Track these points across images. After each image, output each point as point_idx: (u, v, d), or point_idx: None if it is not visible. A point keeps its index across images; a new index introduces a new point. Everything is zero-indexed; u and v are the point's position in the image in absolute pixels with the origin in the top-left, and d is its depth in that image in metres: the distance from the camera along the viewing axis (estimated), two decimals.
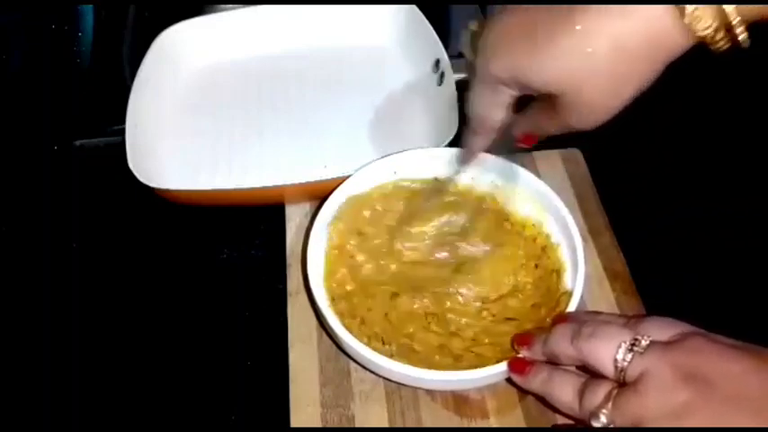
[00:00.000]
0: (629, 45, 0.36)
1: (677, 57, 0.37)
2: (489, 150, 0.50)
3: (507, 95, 0.43)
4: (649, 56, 0.37)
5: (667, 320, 0.39)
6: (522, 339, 0.44)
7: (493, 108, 0.44)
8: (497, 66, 0.41)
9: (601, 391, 0.37)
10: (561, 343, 0.40)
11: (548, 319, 0.46)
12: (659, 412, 0.35)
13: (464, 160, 0.52)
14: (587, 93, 0.38)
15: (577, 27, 0.37)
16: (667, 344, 0.37)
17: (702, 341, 0.37)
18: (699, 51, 0.36)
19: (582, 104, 0.39)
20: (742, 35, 0.35)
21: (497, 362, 0.43)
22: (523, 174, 0.52)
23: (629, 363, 0.37)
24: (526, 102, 0.44)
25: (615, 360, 0.37)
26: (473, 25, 0.46)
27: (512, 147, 0.47)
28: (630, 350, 0.37)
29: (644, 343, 0.37)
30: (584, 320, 0.42)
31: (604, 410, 0.37)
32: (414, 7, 0.65)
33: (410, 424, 0.46)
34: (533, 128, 0.45)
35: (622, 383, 0.37)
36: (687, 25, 0.35)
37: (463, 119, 0.56)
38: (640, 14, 0.36)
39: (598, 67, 0.37)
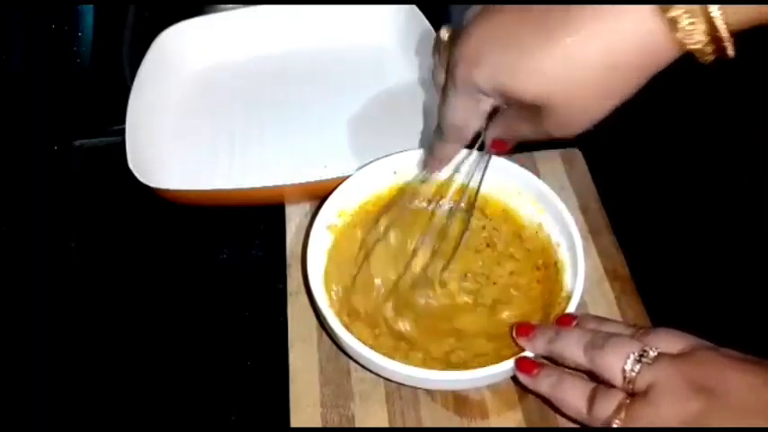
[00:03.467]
0: (621, 59, 0.35)
1: (665, 66, 0.36)
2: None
3: (487, 104, 0.42)
4: (640, 69, 0.36)
5: (676, 333, 0.39)
6: (523, 330, 0.44)
7: (470, 117, 0.43)
8: (480, 75, 0.39)
9: (612, 401, 0.38)
10: (574, 350, 0.40)
11: (550, 319, 0.46)
12: (673, 422, 0.35)
13: (430, 168, 0.50)
14: (574, 103, 0.37)
15: (567, 40, 0.36)
16: (676, 356, 0.37)
17: (711, 354, 0.37)
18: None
19: (566, 115, 0.38)
20: (730, 48, 0.34)
21: (497, 362, 0.43)
22: (523, 174, 0.52)
23: (638, 373, 0.37)
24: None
25: (624, 370, 0.37)
26: (445, 32, 0.44)
27: (484, 155, 0.47)
28: (639, 361, 0.37)
29: (652, 354, 0.37)
30: (593, 329, 0.42)
31: (617, 420, 0.37)
32: (414, 7, 0.65)
33: (410, 424, 0.46)
34: (507, 133, 0.43)
35: (631, 394, 0.37)
36: (679, 39, 0.34)
37: None
38: (633, 28, 0.35)
39: (585, 81, 0.36)
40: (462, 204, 0.53)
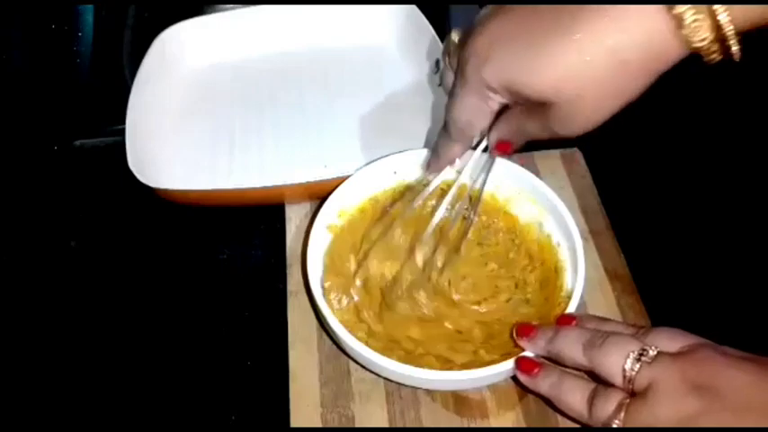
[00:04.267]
0: (627, 57, 0.36)
1: (672, 65, 0.36)
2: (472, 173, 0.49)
3: (495, 103, 0.42)
4: (647, 67, 0.36)
5: (676, 331, 0.39)
6: (524, 330, 0.44)
7: (478, 116, 0.43)
8: (490, 72, 0.40)
9: (612, 401, 0.38)
10: (573, 349, 0.40)
11: (550, 319, 0.46)
12: (672, 422, 0.35)
13: (435, 168, 0.50)
14: (581, 102, 0.38)
15: (576, 36, 0.36)
16: (675, 355, 0.37)
17: (710, 352, 0.37)
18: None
19: (573, 113, 0.38)
20: (735, 48, 0.35)
21: (498, 362, 0.43)
22: (523, 174, 0.52)
23: (638, 372, 0.37)
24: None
25: (623, 370, 0.37)
26: (456, 34, 0.44)
27: (489, 154, 0.46)
28: (638, 360, 0.37)
29: (652, 353, 0.37)
30: (593, 328, 0.42)
31: (617, 420, 0.37)
32: (414, 7, 0.65)
33: (410, 424, 0.46)
34: (512, 134, 0.44)
35: (632, 393, 0.37)
36: (684, 36, 0.35)
37: None
38: (639, 26, 0.35)
39: (594, 78, 0.37)
40: (465, 206, 0.53)
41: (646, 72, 0.37)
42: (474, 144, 0.47)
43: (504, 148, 0.45)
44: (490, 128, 0.44)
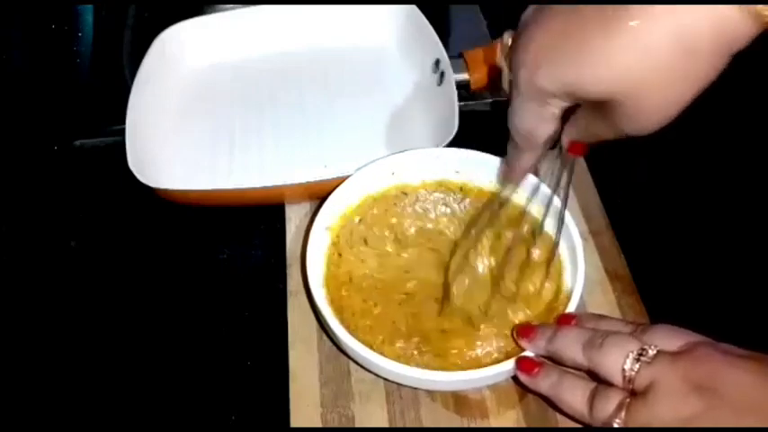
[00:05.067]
0: (692, 39, 0.32)
1: (742, 48, 0.33)
2: (552, 179, 0.46)
3: (557, 107, 0.39)
4: (715, 49, 0.33)
5: (675, 329, 0.39)
6: (524, 331, 0.44)
7: (540, 122, 0.40)
8: (544, 78, 0.36)
9: (612, 400, 0.38)
10: (572, 349, 0.40)
11: (551, 319, 0.46)
12: (673, 422, 0.35)
13: (510, 179, 0.48)
14: (647, 97, 0.34)
15: (632, 23, 0.33)
16: (675, 354, 0.37)
17: (710, 351, 0.37)
18: None
19: (640, 110, 0.35)
20: None
21: (497, 362, 0.43)
22: None
23: (637, 372, 0.37)
24: (573, 107, 0.39)
25: (623, 370, 0.37)
26: (509, 36, 0.41)
27: (563, 158, 0.44)
28: (638, 360, 0.37)
29: (651, 353, 0.37)
30: (591, 327, 0.42)
31: (617, 420, 0.37)
32: (414, 7, 0.65)
33: (410, 424, 0.46)
34: (583, 135, 0.40)
35: (632, 392, 0.37)
36: (756, 11, 0.31)
37: (463, 119, 0.56)
38: (703, 6, 0.32)
39: (659, 67, 0.33)
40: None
41: (715, 56, 0.33)
42: (553, 146, 0.43)
43: (577, 150, 0.42)
44: (562, 129, 0.41)
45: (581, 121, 0.40)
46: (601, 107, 0.36)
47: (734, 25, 0.32)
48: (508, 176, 0.48)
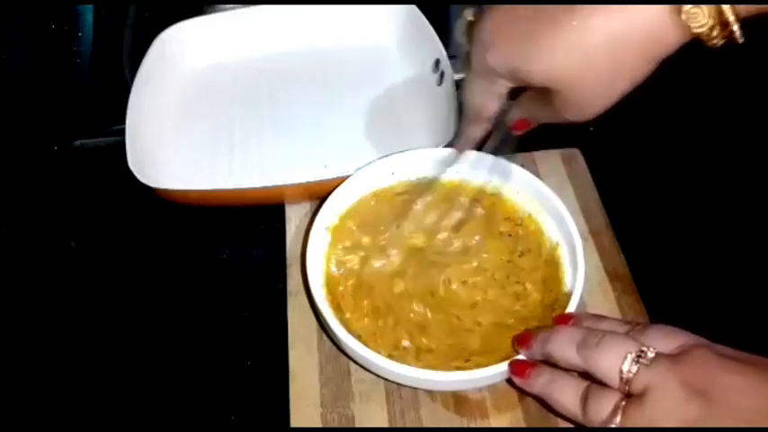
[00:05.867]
0: (625, 41, 0.37)
1: (672, 52, 0.37)
2: (492, 150, 0.50)
3: (502, 86, 0.43)
4: (645, 52, 0.37)
5: (671, 330, 0.39)
6: (522, 339, 0.44)
7: (488, 98, 0.45)
8: (494, 58, 0.41)
9: (606, 402, 0.37)
10: (566, 349, 0.40)
11: (550, 319, 0.46)
12: (667, 426, 0.35)
13: (459, 149, 0.52)
14: (583, 88, 0.39)
15: (574, 23, 0.37)
16: (673, 356, 0.37)
17: (708, 353, 0.37)
18: (699, 51, 0.36)
19: (577, 99, 0.39)
20: (737, 32, 0.35)
21: (498, 363, 0.43)
22: (523, 174, 0.52)
23: (635, 374, 0.36)
24: (521, 88, 0.44)
25: (621, 371, 0.37)
26: (469, 14, 0.45)
27: (508, 135, 0.48)
28: (636, 362, 0.37)
29: (650, 355, 0.37)
30: (588, 326, 0.42)
31: (613, 424, 0.37)
32: (414, 7, 0.65)
33: (410, 424, 0.46)
34: (527, 116, 0.45)
35: (627, 394, 0.37)
36: (683, 22, 0.35)
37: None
38: (638, 12, 0.36)
39: (595, 62, 0.38)
40: (478, 205, 0.53)
41: (645, 57, 0.37)
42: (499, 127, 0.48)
43: (522, 126, 0.46)
44: (509, 107, 0.46)
45: (526, 102, 0.44)
46: (542, 93, 0.41)
47: (664, 33, 0.36)
48: (457, 147, 0.52)
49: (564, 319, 0.44)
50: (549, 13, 0.38)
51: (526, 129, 0.46)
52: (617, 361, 0.37)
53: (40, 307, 0.53)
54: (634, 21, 0.36)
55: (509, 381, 0.44)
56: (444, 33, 0.64)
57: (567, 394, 0.40)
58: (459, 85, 0.59)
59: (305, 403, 0.47)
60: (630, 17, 0.36)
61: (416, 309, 0.50)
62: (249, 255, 0.56)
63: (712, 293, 0.51)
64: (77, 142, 0.63)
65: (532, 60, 0.39)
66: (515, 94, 0.44)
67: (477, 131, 0.49)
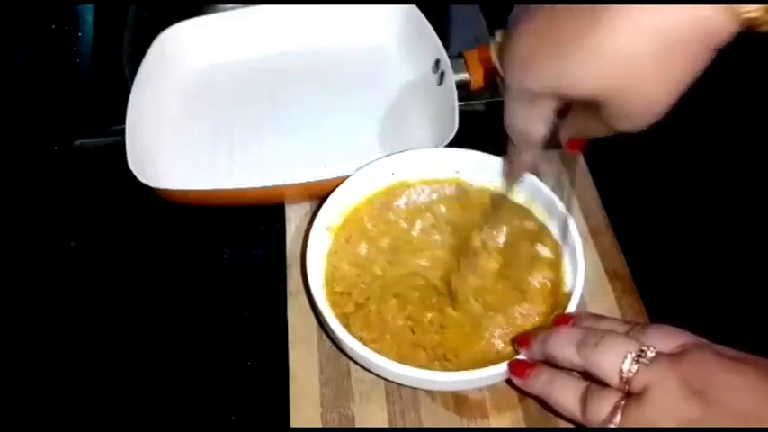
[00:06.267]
0: (673, 36, 0.32)
1: (725, 42, 0.33)
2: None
3: (547, 108, 0.39)
4: (697, 47, 0.33)
5: (671, 329, 0.39)
6: (522, 340, 0.44)
7: (533, 123, 0.40)
8: (530, 79, 0.37)
9: (606, 402, 0.37)
10: (566, 349, 0.40)
11: (550, 319, 0.46)
12: (667, 426, 0.35)
13: (512, 178, 0.48)
14: (632, 94, 0.35)
15: (608, 28, 0.33)
16: (673, 356, 0.37)
17: (707, 353, 0.37)
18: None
19: (628, 107, 0.35)
20: None
21: (498, 362, 0.43)
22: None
23: (635, 374, 0.37)
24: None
25: (621, 371, 0.37)
26: (499, 37, 0.42)
27: (562, 155, 0.44)
28: (636, 361, 0.37)
29: (650, 354, 0.37)
30: (587, 326, 0.42)
31: (612, 424, 0.37)
32: (414, 7, 0.65)
33: (410, 424, 0.46)
34: (578, 133, 0.41)
35: (626, 393, 0.37)
36: (733, 9, 0.31)
37: (462, 118, 0.56)
38: (679, 7, 0.32)
39: (640, 64, 0.34)
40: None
41: (695, 52, 0.33)
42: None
43: (575, 147, 0.43)
44: (559, 127, 0.42)
45: (574, 119, 0.40)
46: (590, 106, 0.37)
47: (711, 23, 0.32)
48: (509, 174, 0.48)
49: (564, 319, 0.44)
50: (573, 18, 0.34)
51: (580, 149, 0.43)
52: (617, 360, 0.37)
53: (41, 307, 0.53)
54: (680, 13, 0.32)
55: (509, 381, 0.44)
56: (444, 33, 0.64)
57: (566, 394, 0.40)
58: (459, 85, 0.59)
59: (305, 403, 0.47)
60: (674, 11, 0.32)
61: (416, 308, 0.50)
62: (249, 255, 0.56)
63: (712, 293, 0.51)
64: (77, 142, 0.63)
65: (572, 75, 0.35)
66: (564, 110, 0.40)
67: (528, 157, 0.44)
